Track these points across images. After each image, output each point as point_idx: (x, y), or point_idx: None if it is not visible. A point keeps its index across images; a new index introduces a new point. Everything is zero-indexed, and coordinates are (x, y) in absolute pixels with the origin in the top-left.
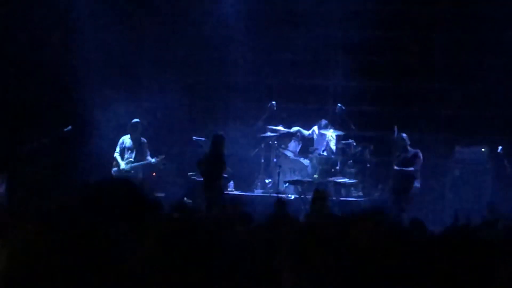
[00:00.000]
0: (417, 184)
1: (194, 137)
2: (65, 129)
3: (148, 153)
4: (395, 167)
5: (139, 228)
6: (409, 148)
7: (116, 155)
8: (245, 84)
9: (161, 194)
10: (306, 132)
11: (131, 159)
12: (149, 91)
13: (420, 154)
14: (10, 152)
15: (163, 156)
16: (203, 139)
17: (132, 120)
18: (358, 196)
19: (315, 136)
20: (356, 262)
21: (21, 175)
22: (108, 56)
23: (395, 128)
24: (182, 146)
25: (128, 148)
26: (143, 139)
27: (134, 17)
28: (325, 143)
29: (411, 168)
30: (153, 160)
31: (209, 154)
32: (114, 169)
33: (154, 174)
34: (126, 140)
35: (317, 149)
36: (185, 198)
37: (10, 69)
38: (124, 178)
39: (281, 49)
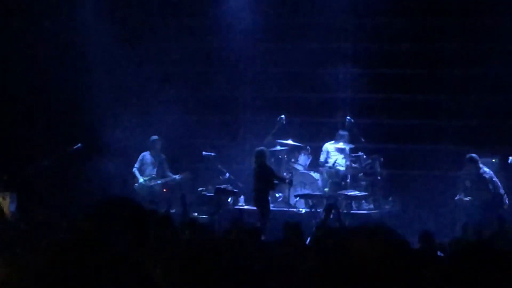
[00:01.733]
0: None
1: (204, 152)
2: (75, 147)
3: (168, 168)
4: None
5: (145, 244)
6: (481, 170)
7: (135, 169)
8: (254, 98)
9: (172, 210)
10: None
11: (153, 175)
12: (158, 108)
13: (487, 175)
14: (19, 170)
15: (188, 172)
16: (213, 154)
17: (151, 137)
18: (369, 209)
19: (331, 152)
20: (357, 278)
21: (31, 193)
22: (118, 73)
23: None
24: (193, 161)
25: (149, 164)
26: (163, 155)
27: (144, 35)
28: (337, 156)
29: (489, 196)
30: (177, 176)
31: (255, 169)
32: (136, 184)
33: (165, 190)
34: (147, 156)
35: (327, 162)
36: (196, 214)
37: (21, 87)
38: (127, 196)
39: (290, 63)
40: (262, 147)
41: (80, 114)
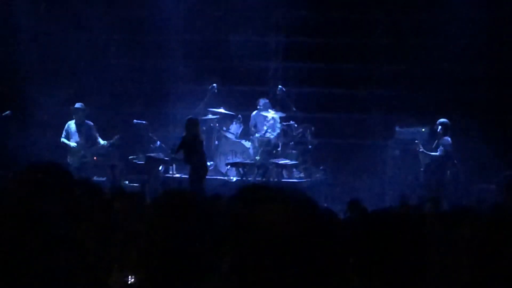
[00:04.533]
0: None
1: (135, 121)
2: (3, 114)
3: (98, 136)
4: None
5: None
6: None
7: (63, 139)
8: (185, 66)
9: (102, 179)
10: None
11: (77, 142)
12: (89, 76)
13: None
14: None
15: (118, 136)
16: (144, 122)
17: (74, 104)
18: (300, 178)
19: (257, 120)
20: (265, 247)
21: None
22: (47, 41)
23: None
24: (123, 129)
25: (73, 133)
26: (89, 123)
27: (73, 3)
28: (268, 124)
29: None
30: (105, 142)
31: (186, 137)
32: (69, 157)
33: (95, 158)
34: (71, 125)
35: (258, 131)
36: (127, 182)
37: None
38: (55, 162)
39: (222, 32)
40: (193, 116)
41: (9, 82)
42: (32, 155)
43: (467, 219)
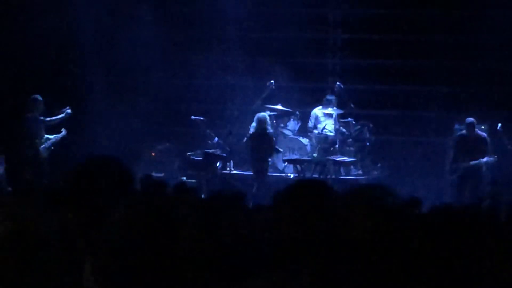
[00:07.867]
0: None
1: (192, 117)
2: (63, 109)
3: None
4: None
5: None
6: (478, 132)
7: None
8: (243, 63)
9: (160, 174)
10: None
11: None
12: (148, 72)
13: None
14: (7, 133)
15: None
16: (201, 118)
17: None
18: (358, 175)
19: (320, 117)
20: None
21: (19, 155)
22: (107, 37)
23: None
24: (181, 125)
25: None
26: (41, 118)
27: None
28: (326, 121)
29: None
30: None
31: (256, 133)
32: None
33: (153, 154)
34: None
35: (316, 127)
36: (184, 178)
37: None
38: (113, 156)
39: (280, 28)
40: (264, 112)
41: (70, 79)
42: (92, 149)
43: None
